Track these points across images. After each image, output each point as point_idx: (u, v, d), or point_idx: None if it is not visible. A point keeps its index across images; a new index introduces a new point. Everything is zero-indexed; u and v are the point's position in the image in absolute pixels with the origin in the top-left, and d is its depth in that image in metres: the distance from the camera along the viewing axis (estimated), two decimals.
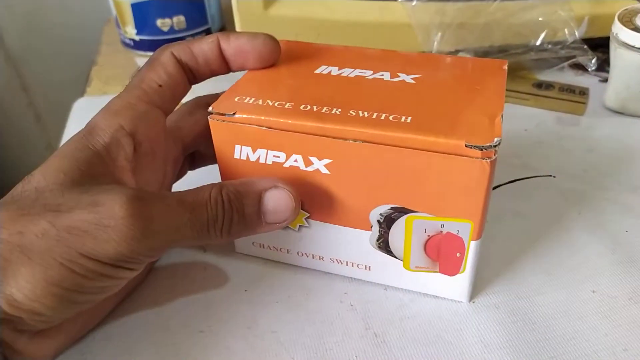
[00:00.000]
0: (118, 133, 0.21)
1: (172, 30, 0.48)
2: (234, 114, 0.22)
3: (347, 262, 0.25)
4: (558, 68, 0.42)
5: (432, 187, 0.21)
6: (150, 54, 0.49)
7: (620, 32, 0.35)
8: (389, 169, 0.21)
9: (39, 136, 0.79)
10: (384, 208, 0.22)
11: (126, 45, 0.51)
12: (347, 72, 0.24)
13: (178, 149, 0.26)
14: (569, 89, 0.41)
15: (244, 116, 0.21)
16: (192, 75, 0.24)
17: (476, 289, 0.25)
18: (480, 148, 0.19)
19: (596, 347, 0.23)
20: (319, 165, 0.22)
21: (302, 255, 0.26)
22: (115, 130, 0.21)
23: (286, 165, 0.22)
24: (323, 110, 0.21)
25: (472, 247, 0.22)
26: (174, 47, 0.24)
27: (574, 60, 0.40)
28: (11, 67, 0.74)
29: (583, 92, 0.40)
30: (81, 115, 0.41)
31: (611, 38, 0.36)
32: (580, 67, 0.41)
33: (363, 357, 0.23)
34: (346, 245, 0.24)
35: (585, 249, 0.27)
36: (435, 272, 0.24)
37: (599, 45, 0.41)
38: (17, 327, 0.18)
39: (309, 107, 0.22)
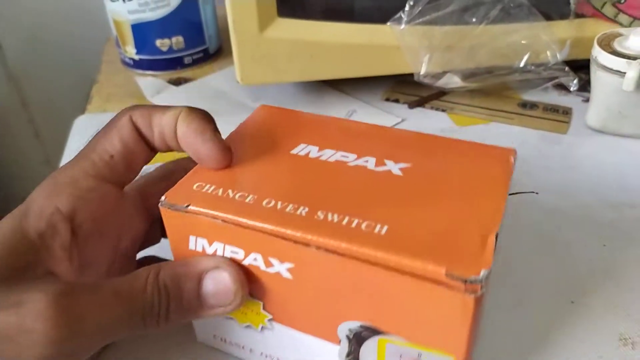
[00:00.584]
0: (54, 217, 0.19)
1: (170, 50, 0.50)
2: (187, 206, 0.19)
3: None
4: (542, 88, 0.43)
5: (406, 312, 0.18)
6: (151, 72, 0.51)
7: (599, 55, 0.36)
8: (357, 284, 0.18)
9: (37, 152, 0.80)
10: (354, 324, 0.19)
11: (126, 64, 0.52)
12: (327, 154, 0.22)
13: (142, 220, 0.23)
14: (553, 109, 0.42)
15: (198, 209, 0.19)
16: (151, 145, 0.22)
17: None
18: (464, 281, 0.16)
19: (570, 353, 0.24)
20: (281, 268, 0.19)
21: (267, 357, 0.23)
22: (50, 214, 0.19)
23: (245, 262, 0.20)
24: (288, 209, 0.19)
25: None
26: (134, 112, 0.21)
27: (556, 80, 0.41)
28: (12, 83, 0.76)
29: (566, 111, 0.42)
30: (82, 132, 0.42)
31: (591, 61, 0.38)
32: (564, 88, 0.43)
33: None
34: (313, 355, 0.21)
35: (564, 263, 0.29)
36: None
37: (583, 67, 0.42)
38: None
39: (272, 202, 0.19)
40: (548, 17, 0.39)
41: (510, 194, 0.33)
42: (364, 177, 0.21)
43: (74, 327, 0.17)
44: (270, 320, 0.21)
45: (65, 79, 0.74)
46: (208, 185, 0.20)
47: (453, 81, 0.41)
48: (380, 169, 0.21)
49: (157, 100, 0.46)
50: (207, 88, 0.48)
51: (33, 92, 0.76)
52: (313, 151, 0.22)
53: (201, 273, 0.20)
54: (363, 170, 0.21)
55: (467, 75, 0.41)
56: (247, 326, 0.22)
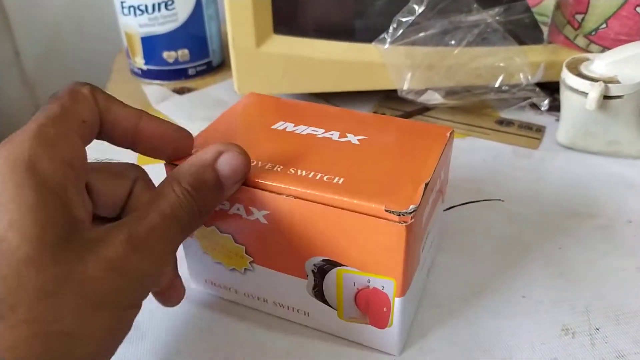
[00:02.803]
0: (65, 170, 0.19)
1: (176, 62, 0.54)
2: None
3: (288, 307, 0.27)
4: (518, 107, 0.46)
5: (357, 244, 0.22)
6: (157, 82, 0.54)
7: (567, 77, 0.40)
8: (319, 225, 0.23)
9: None
10: (317, 260, 0.24)
11: (135, 73, 0.56)
12: (301, 129, 0.26)
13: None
14: (527, 126, 0.45)
15: None
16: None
17: (412, 338, 0.27)
18: (398, 214, 0.21)
19: (517, 341, 0.27)
20: (259, 215, 0.24)
21: (248, 296, 0.28)
22: (61, 166, 0.19)
23: (230, 212, 0.24)
24: (266, 167, 0.23)
25: (397, 304, 0.23)
26: (96, 89, 0.21)
27: (530, 100, 0.44)
28: (27, 88, 0.80)
29: (539, 129, 0.45)
30: None
31: (560, 82, 0.41)
32: (539, 107, 0.46)
33: None
34: (287, 290, 0.26)
35: (520, 262, 0.32)
36: (367, 323, 0.25)
37: (558, 89, 0.46)
38: None
39: (254, 162, 0.24)
40: (522, 42, 0.43)
41: (476, 201, 0.36)
42: (328, 146, 0.25)
43: (150, 261, 0.19)
44: (251, 262, 0.26)
45: None
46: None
47: (434, 98, 0.44)
48: (343, 140, 0.26)
49: (162, 107, 0.50)
50: (208, 97, 0.52)
51: (47, 98, 0.80)
52: (289, 127, 0.27)
53: (212, 162, 0.22)
54: (328, 141, 0.26)
55: (447, 93, 0.44)
56: (232, 269, 0.27)
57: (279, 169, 0.23)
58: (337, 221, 0.22)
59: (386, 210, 0.21)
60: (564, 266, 0.31)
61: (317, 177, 0.23)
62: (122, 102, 0.22)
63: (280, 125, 0.27)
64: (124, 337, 0.19)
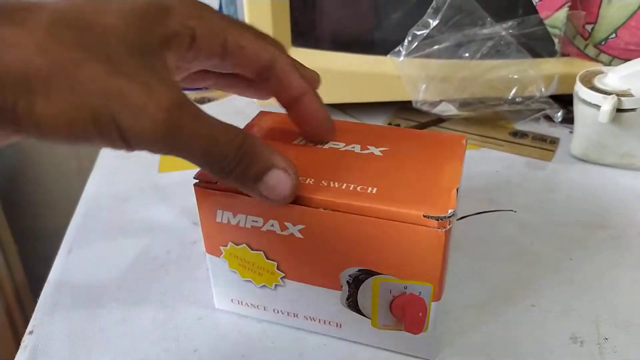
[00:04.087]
0: (187, 30, 0.21)
1: None
2: (217, 182, 0.24)
3: (319, 320, 0.27)
4: (532, 119, 0.47)
5: (395, 252, 0.23)
6: None
7: (580, 90, 0.40)
8: (356, 235, 0.23)
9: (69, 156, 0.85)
10: (353, 270, 0.24)
11: None
12: (322, 143, 0.27)
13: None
14: (541, 138, 0.46)
15: (226, 187, 0.24)
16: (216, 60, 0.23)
17: (443, 344, 0.27)
18: (437, 218, 0.21)
19: (526, 349, 0.27)
20: (294, 230, 0.24)
21: (278, 312, 0.28)
22: (187, 24, 0.21)
23: (264, 229, 0.24)
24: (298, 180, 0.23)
25: (433, 308, 0.24)
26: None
27: (543, 112, 0.45)
28: None
29: (553, 141, 0.45)
30: None
31: (574, 95, 0.41)
32: (553, 119, 0.47)
33: None
34: (318, 303, 0.26)
35: (531, 272, 0.32)
36: (401, 330, 0.25)
37: (572, 101, 0.46)
38: None
39: None
40: (537, 55, 0.43)
41: (489, 211, 0.37)
42: (353, 158, 0.26)
43: (173, 134, 0.19)
44: (283, 278, 0.26)
45: None
46: None
47: (448, 109, 0.45)
48: (365, 152, 0.26)
49: None
50: (229, 107, 0.53)
51: None
52: (310, 142, 0.27)
53: (272, 166, 0.22)
54: (352, 154, 0.26)
55: (462, 104, 0.45)
56: (263, 286, 0.27)
57: (310, 182, 0.24)
58: (374, 231, 0.23)
59: (425, 216, 0.22)
60: (575, 276, 0.32)
61: (351, 188, 0.23)
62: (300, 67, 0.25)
63: (300, 141, 0.27)
64: None
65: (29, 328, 0.29)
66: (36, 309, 0.30)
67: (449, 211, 0.22)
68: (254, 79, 0.25)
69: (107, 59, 0.18)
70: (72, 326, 0.29)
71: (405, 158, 0.26)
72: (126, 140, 0.19)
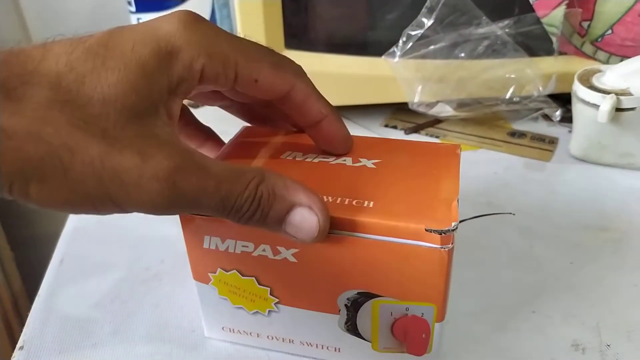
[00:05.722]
0: (195, 73, 0.21)
1: None
2: None
3: (316, 345, 0.26)
4: (530, 119, 0.46)
5: (395, 273, 0.22)
6: None
7: (579, 89, 0.39)
8: (354, 258, 0.22)
9: None
10: (351, 293, 0.23)
11: None
12: (311, 157, 0.25)
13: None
14: (540, 138, 0.45)
15: None
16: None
17: (442, 354, 0.26)
18: (439, 232, 0.20)
19: (527, 356, 0.27)
20: (287, 254, 0.23)
21: (272, 338, 0.26)
22: (195, 69, 0.20)
23: (255, 254, 0.23)
24: None
25: (436, 329, 0.23)
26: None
27: (542, 111, 0.44)
28: None
29: (552, 141, 0.45)
30: None
31: (572, 94, 0.41)
32: (552, 119, 0.46)
33: None
34: (315, 328, 0.25)
35: (531, 277, 0.31)
36: (403, 352, 0.24)
37: (570, 99, 0.45)
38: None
39: None
40: (534, 54, 0.43)
41: (488, 214, 0.36)
42: (345, 171, 0.24)
43: (174, 200, 0.19)
44: (277, 303, 0.25)
45: None
46: None
47: (445, 110, 0.44)
48: (357, 164, 0.25)
49: None
50: (222, 112, 0.52)
51: None
52: (298, 155, 0.26)
53: (294, 204, 0.21)
54: (344, 167, 0.25)
55: (459, 105, 0.44)
56: (255, 312, 0.25)
57: None
58: (373, 252, 0.21)
59: (427, 230, 0.20)
60: (575, 281, 0.31)
61: (346, 202, 0.22)
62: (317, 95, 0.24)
63: (288, 155, 0.26)
64: None
65: (20, 343, 0.28)
66: (27, 323, 0.29)
67: (453, 224, 0.20)
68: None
69: (102, 135, 0.18)
70: (63, 342, 0.28)
71: (399, 170, 0.24)
72: (125, 211, 0.19)
